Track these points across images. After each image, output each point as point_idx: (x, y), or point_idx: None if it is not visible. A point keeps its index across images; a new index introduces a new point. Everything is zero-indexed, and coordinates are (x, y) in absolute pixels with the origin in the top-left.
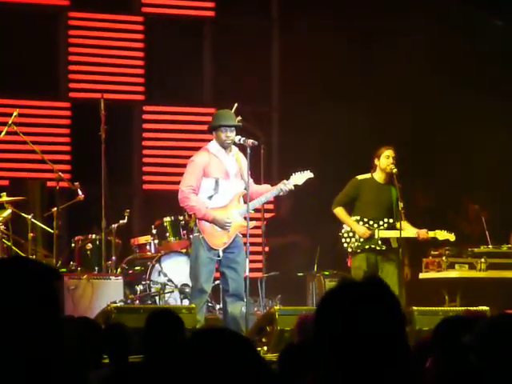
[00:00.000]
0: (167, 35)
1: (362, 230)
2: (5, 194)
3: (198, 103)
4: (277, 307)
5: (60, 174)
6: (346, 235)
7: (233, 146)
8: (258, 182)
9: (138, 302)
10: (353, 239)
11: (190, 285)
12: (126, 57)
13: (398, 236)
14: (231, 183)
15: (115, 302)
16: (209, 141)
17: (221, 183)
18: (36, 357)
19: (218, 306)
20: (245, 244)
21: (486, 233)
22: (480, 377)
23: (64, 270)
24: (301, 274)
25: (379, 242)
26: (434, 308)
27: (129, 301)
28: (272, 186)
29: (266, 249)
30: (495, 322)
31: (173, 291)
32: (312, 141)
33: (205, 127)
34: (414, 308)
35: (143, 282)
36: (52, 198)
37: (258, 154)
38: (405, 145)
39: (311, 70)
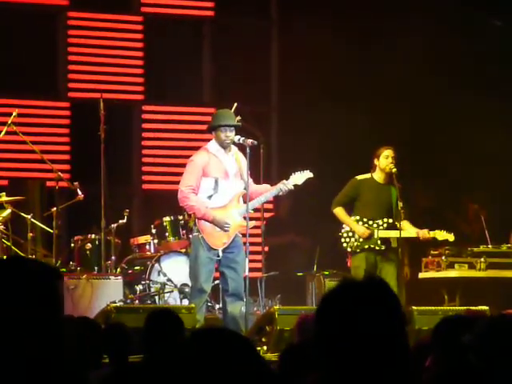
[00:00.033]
0: (166, 35)
1: (361, 229)
2: (4, 193)
3: (197, 103)
4: (276, 307)
5: (59, 173)
6: (345, 235)
7: (232, 146)
8: (257, 181)
9: (137, 301)
10: (352, 239)
11: (190, 284)
12: (125, 56)
13: (398, 236)
14: (231, 183)
15: (115, 302)
16: (208, 140)
17: (220, 183)
18: (36, 357)
19: (217, 306)
20: (244, 244)
21: (486, 232)
22: (479, 376)
23: (63, 269)
24: (300, 274)
25: (378, 242)
26: (433, 307)
27: (128, 301)
28: (271, 185)
29: (266, 248)
30: (495, 321)
31: (172, 291)
32: (311, 141)
33: (204, 127)
34: (414, 307)
35: (143, 282)
36: (51, 197)
37: (258, 153)
38: (404, 145)
39: (310, 71)
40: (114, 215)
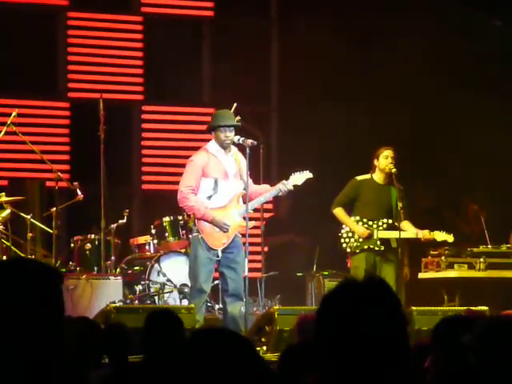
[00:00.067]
0: (166, 35)
1: (360, 229)
2: (4, 194)
3: (197, 103)
4: (276, 307)
5: (59, 173)
6: (345, 235)
7: (232, 146)
8: (257, 182)
9: (137, 301)
10: (352, 239)
11: (189, 285)
12: (125, 57)
13: (397, 237)
14: (230, 183)
15: (114, 302)
16: (208, 141)
17: (220, 183)
18: (36, 357)
19: (217, 306)
20: (244, 244)
21: (486, 233)
22: (479, 376)
23: (63, 270)
24: (300, 274)
25: (378, 243)
26: (433, 308)
27: (128, 301)
28: (271, 186)
29: (265, 249)
30: (494, 321)
31: (172, 291)
32: (311, 141)
33: (204, 127)
34: (413, 308)
35: (142, 282)
36: (51, 197)
37: (257, 154)
38: (404, 145)
39: (310, 71)
40: (113, 215)
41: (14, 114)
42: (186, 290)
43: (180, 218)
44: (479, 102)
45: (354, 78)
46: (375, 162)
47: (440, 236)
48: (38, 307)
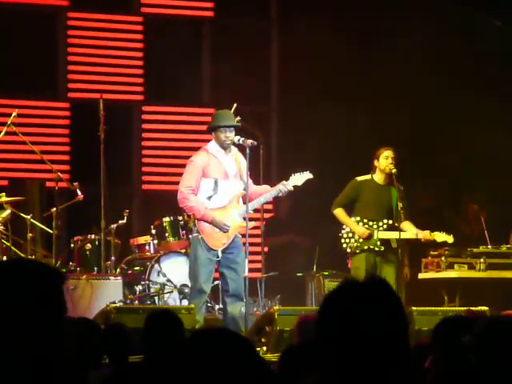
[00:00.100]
0: (166, 35)
1: (360, 230)
2: (4, 194)
3: (197, 103)
4: (276, 307)
5: (59, 174)
6: (345, 236)
7: (232, 147)
8: (257, 182)
9: (137, 302)
10: (352, 240)
11: (189, 285)
12: (125, 57)
13: (397, 237)
14: (230, 184)
15: (114, 303)
16: (208, 141)
17: (220, 184)
18: (36, 357)
19: (217, 307)
20: (244, 244)
21: (486, 233)
22: (479, 377)
23: (63, 270)
24: (300, 274)
25: (378, 243)
26: (433, 308)
27: (128, 301)
28: (271, 186)
29: (266, 249)
30: (493, 322)
31: (172, 291)
32: (311, 141)
33: (204, 127)
34: (414, 308)
35: (142, 283)
36: (51, 198)
37: (257, 154)
38: (404, 145)
39: (310, 71)
40: (113, 215)
41: (14, 114)
42: (186, 290)
43: (180, 218)
44: (479, 102)
45: (354, 77)
46: (375, 163)
47: (440, 237)
48: (38, 307)
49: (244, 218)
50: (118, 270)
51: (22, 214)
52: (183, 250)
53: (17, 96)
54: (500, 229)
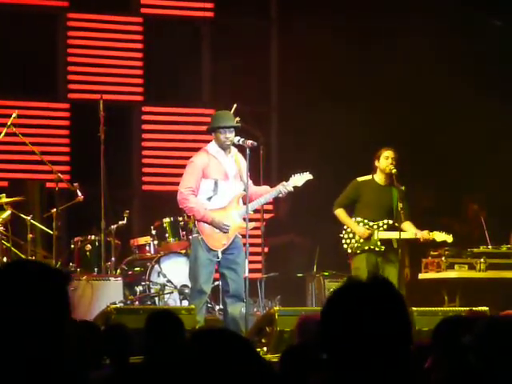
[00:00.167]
0: (166, 36)
1: (361, 230)
2: (4, 195)
3: (196, 104)
4: (276, 308)
5: (59, 174)
6: (346, 236)
7: (232, 147)
8: (257, 182)
9: (137, 302)
10: (353, 240)
11: (190, 286)
12: (124, 58)
13: (397, 237)
14: (230, 184)
15: (115, 303)
16: (208, 141)
17: (220, 184)
18: (36, 357)
19: (217, 307)
20: (244, 245)
21: (486, 233)
22: (479, 377)
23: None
24: (300, 275)
25: (378, 243)
26: (433, 308)
27: (128, 302)
28: (271, 187)
29: (266, 249)
30: (494, 322)
31: (172, 292)
32: (311, 141)
33: (204, 128)
34: (414, 308)
35: (143, 283)
36: (51, 198)
37: (257, 154)
38: (404, 145)
39: (310, 71)
40: (113, 216)
41: (14, 115)
42: (187, 290)
43: (180, 218)
44: (479, 102)
45: (354, 77)
46: (376, 163)
47: (439, 236)
48: (40, 308)
49: (244, 219)
50: (119, 270)
51: (22, 215)
52: (183, 251)
53: (17, 97)
54: (500, 229)
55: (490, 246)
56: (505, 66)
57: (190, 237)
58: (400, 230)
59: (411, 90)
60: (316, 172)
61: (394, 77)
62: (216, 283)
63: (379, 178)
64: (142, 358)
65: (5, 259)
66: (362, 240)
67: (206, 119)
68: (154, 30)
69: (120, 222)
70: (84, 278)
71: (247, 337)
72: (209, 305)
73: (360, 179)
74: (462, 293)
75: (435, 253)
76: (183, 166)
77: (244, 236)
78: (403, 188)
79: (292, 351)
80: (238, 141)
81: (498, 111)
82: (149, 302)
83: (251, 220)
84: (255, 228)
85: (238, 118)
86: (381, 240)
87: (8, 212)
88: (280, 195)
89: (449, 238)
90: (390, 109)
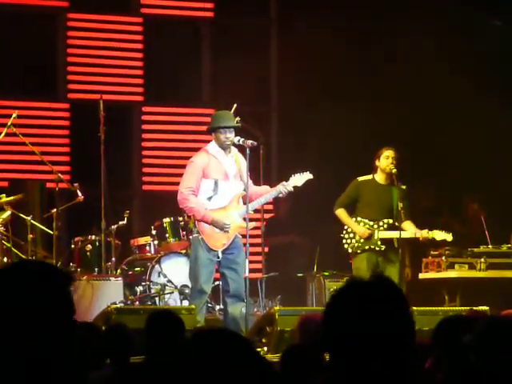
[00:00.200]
0: (166, 36)
1: (361, 230)
2: (4, 195)
3: (196, 104)
4: (277, 308)
5: (59, 175)
6: (346, 236)
7: (232, 147)
8: (257, 182)
9: (137, 302)
10: (353, 240)
11: (190, 286)
12: (125, 58)
13: (397, 236)
14: (230, 184)
15: (115, 303)
16: (208, 141)
17: (220, 184)
18: (36, 357)
19: (217, 307)
20: (244, 245)
21: (486, 233)
22: (480, 376)
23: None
24: (300, 275)
25: (378, 243)
26: (433, 308)
27: (129, 302)
28: (271, 186)
29: (266, 249)
30: (494, 321)
31: (172, 292)
32: (311, 141)
33: (204, 128)
34: (414, 308)
35: (143, 283)
36: (51, 199)
37: (257, 154)
38: (404, 145)
39: (310, 71)
40: (114, 216)
41: (14, 115)
42: (187, 290)
43: (180, 218)
44: (479, 102)
45: (354, 78)
46: (377, 163)
47: (439, 235)
48: (42, 308)
49: (244, 219)
50: (119, 270)
51: (22, 215)
52: (183, 251)
53: (17, 97)
54: (500, 228)
55: (490, 246)
56: (505, 66)
57: (191, 237)
58: (400, 229)
59: (411, 89)
60: (316, 172)
61: (393, 77)
62: (216, 283)
63: (380, 177)
64: (143, 358)
65: (5, 259)
66: (362, 240)
67: (206, 119)
68: (154, 30)
69: (120, 222)
70: (84, 278)
71: (247, 337)
72: (209, 305)
73: (360, 179)
74: (463, 292)
75: (435, 252)
76: (183, 166)
77: (244, 236)
78: (404, 187)
79: (292, 351)
80: (238, 141)
81: (497, 111)
82: (149, 302)
83: (251, 220)
84: (255, 228)
85: (238, 118)
86: (381, 239)
87: (8, 212)
88: (280, 195)
89: (448, 237)
90: (390, 109)
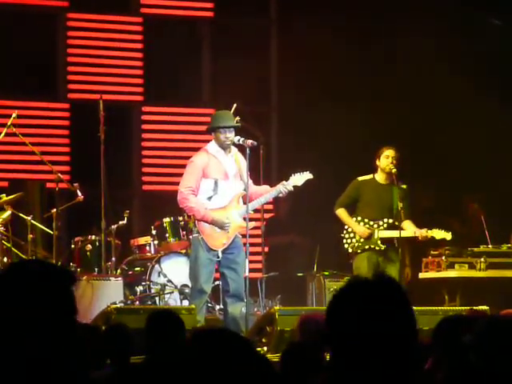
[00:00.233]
0: (166, 36)
1: (361, 229)
2: (4, 195)
3: (196, 104)
4: (277, 307)
5: (59, 175)
6: (347, 236)
7: (232, 147)
8: (257, 182)
9: (137, 302)
10: (354, 240)
11: (190, 285)
12: (124, 58)
13: (397, 236)
14: (230, 184)
15: (115, 303)
16: (208, 141)
17: (220, 184)
18: (36, 357)
19: (217, 307)
20: (244, 244)
21: (486, 232)
22: (480, 376)
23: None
24: (300, 274)
25: (379, 242)
26: (433, 308)
27: (129, 302)
28: (271, 186)
29: (266, 249)
30: (494, 320)
31: (172, 292)
32: (311, 141)
33: (204, 128)
34: (414, 308)
35: (143, 283)
36: (51, 199)
37: (257, 154)
38: (404, 145)
39: (310, 71)
40: (114, 216)
41: (14, 115)
42: (187, 290)
43: (180, 218)
44: (479, 102)
45: (354, 78)
46: (377, 162)
47: (438, 234)
48: (43, 308)
49: (244, 219)
50: (119, 270)
51: (22, 215)
52: (183, 251)
53: (17, 97)
54: (500, 228)
55: (490, 246)
56: (505, 66)
57: (191, 236)
58: (400, 228)
59: (411, 89)
60: (316, 172)
61: (393, 77)
62: (216, 283)
63: (380, 176)
64: (143, 358)
65: (5, 259)
66: (362, 239)
67: (205, 119)
68: (154, 30)
69: (120, 222)
70: (84, 278)
71: (247, 336)
72: (209, 304)
73: (361, 178)
74: (463, 292)
75: (435, 252)
76: (183, 166)
77: (244, 236)
78: (405, 187)
79: (292, 351)
80: (238, 140)
81: (497, 111)
82: (149, 302)
83: (251, 219)
84: (255, 227)
85: (237, 118)
86: (381, 239)
87: (8, 212)
88: (280, 195)
89: (448, 236)
90: (390, 109)
